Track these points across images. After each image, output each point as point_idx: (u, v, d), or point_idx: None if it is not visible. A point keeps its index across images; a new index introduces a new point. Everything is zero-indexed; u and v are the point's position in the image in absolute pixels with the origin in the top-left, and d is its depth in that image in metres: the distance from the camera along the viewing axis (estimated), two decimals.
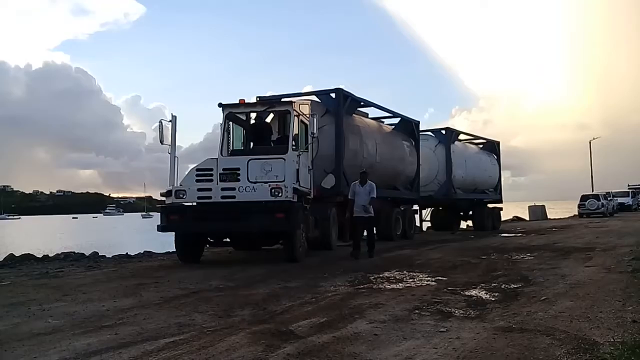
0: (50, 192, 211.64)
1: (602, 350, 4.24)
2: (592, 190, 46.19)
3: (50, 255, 14.64)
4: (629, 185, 55.96)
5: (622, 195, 48.62)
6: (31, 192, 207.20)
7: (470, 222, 25.58)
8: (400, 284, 7.91)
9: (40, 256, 14.10)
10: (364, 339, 4.76)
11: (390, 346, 4.53)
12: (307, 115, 12.23)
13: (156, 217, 11.75)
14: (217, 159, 11.37)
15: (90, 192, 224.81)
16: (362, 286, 7.76)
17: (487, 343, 4.56)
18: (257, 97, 15.01)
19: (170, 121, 11.22)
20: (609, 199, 40.65)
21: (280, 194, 10.29)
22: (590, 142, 58.81)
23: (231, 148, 12.50)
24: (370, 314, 5.79)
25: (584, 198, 39.31)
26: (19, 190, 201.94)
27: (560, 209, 49.78)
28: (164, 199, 11.10)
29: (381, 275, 8.78)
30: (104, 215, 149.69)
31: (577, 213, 39.67)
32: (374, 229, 12.71)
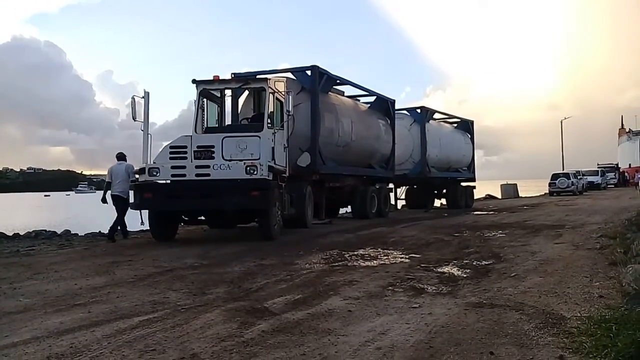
0: (21, 169, 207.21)
1: (570, 324, 4.35)
2: (563, 169, 47.06)
3: (22, 233, 14.39)
4: (598, 164, 57.24)
5: (592, 174, 49.65)
6: (1, 169, 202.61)
7: (444, 200, 25.85)
8: (375, 262, 7.99)
9: (10, 234, 13.85)
10: (338, 315, 4.81)
11: (363, 322, 4.59)
12: (283, 93, 12.13)
13: (130, 195, 11.61)
14: (191, 136, 11.24)
15: (62, 169, 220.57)
16: (336, 264, 7.82)
17: (458, 318, 4.66)
18: (232, 73, 14.81)
19: (143, 97, 11.04)
20: (578, 177, 41.43)
21: (255, 172, 10.24)
22: (561, 122, 59.97)
23: (205, 125, 12.37)
24: (345, 291, 5.84)
25: (555, 177, 39.98)
26: None
27: (532, 187, 50.62)
28: (137, 176, 10.97)
29: (356, 253, 8.85)
30: (75, 192, 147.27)
31: (547, 191, 40.39)
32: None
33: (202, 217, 12.03)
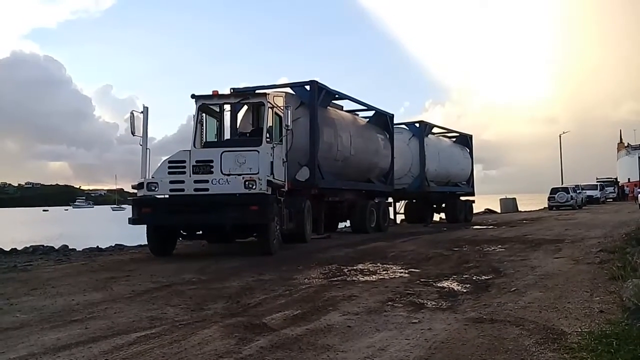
0: (19, 184, 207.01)
1: (570, 340, 4.32)
2: (562, 183, 47.08)
3: (19, 248, 14.31)
4: (597, 179, 57.32)
5: (591, 188, 49.68)
6: None
7: (443, 215, 25.81)
8: (374, 276, 7.95)
9: (8, 249, 13.77)
10: (337, 331, 4.77)
11: (363, 338, 4.55)
12: (282, 108, 12.17)
13: (128, 209, 11.59)
14: (189, 151, 11.24)
15: (60, 184, 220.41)
16: (335, 279, 7.78)
17: (458, 334, 4.62)
18: (231, 88, 14.88)
19: (142, 112, 11.06)
20: (577, 191, 41.43)
21: (254, 187, 10.23)
22: (560, 136, 60.21)
23: (204, 140, 12.38)
24: (344, 306, 5.81)
25: (554, 191, 40.00)
26: None
27: (531, 202, 50.62)
28: (135, 191, 10.95)
29: (355, 268, 8.81)
30: (73, 207, 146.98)
31: (547, 205, 40.38)
32: None
33: (201, 232, 11.99)
